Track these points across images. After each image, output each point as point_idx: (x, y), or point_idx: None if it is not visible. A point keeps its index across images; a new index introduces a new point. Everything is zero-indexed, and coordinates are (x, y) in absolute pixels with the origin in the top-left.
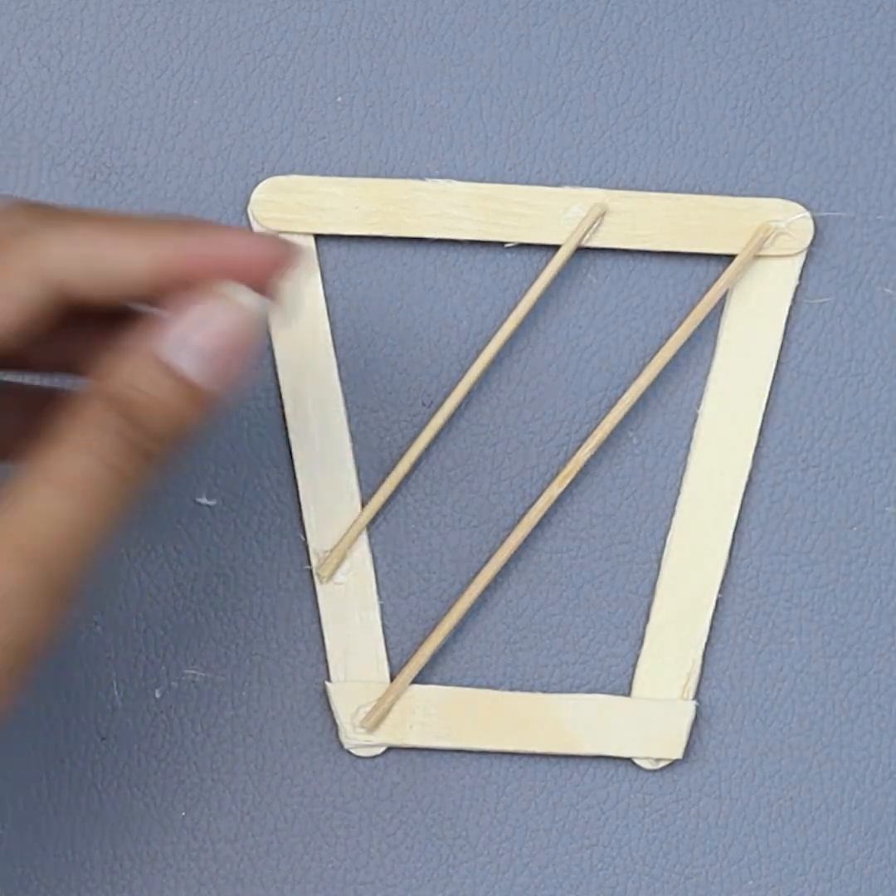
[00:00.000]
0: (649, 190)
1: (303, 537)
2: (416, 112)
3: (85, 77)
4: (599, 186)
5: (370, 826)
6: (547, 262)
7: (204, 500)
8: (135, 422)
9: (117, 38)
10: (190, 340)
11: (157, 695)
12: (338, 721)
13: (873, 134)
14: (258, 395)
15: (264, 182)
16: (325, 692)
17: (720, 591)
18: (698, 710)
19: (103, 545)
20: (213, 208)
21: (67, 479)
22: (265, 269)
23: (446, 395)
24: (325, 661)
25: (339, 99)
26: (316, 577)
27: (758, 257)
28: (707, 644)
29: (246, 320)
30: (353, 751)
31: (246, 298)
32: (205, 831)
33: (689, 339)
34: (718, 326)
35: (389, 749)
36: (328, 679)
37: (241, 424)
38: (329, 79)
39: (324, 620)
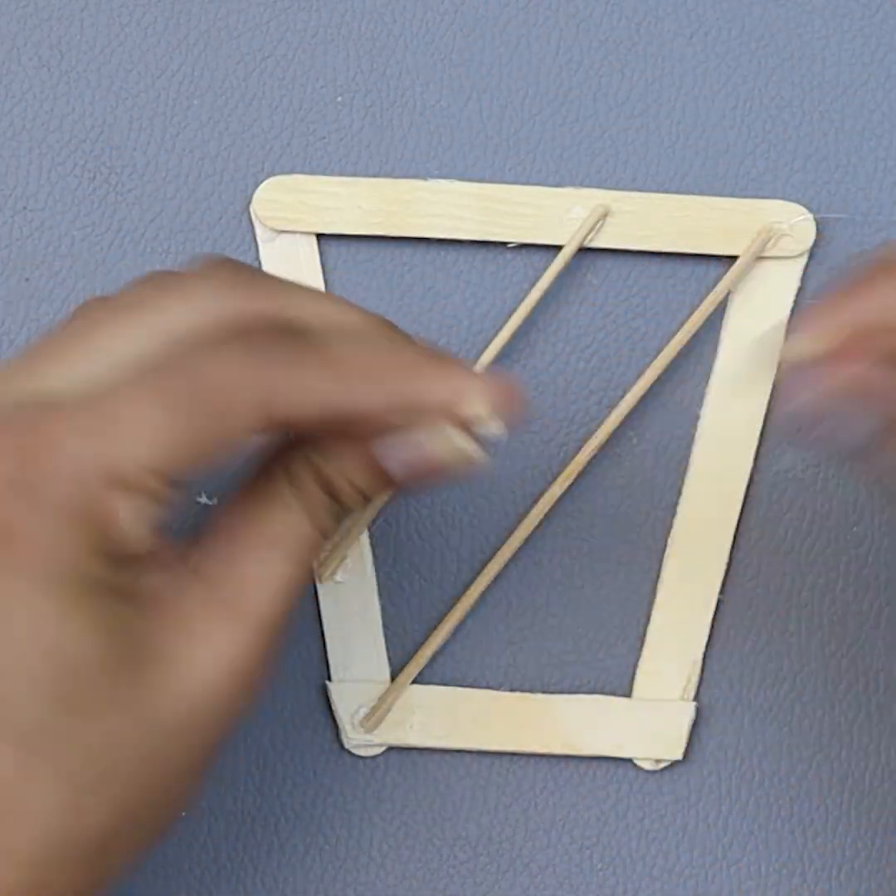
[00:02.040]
0: (651, 191)
1: None
2: (416, 112)
3: (85, 77)
4: (601, 187)
5: (370, 826)
6: (549, 263)
7: (204, 500)
8: (337, 500)
9: (117, 38)
10: (401, 454)
11: None
12: (338, 721)
13: (874, 134)
14: None
15: (266, 181)
16: (325, 692)
17: (721, 592)
18: (698, 711)
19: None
20: (214, 208)
21: (290, 544)
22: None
23: None
24: (326, 660)
25: (339, 99)
26: (316, 577)
27: (760, 259)
28: (707, 644)
29: (454, 459)
30: (353, 751)
31: (462, 442)
32: (205, 831)
33: (690, 341)
34: (720, 327)
35: (389, 749)
36: (328, 679)
37: None
38: (329, 79)
39: (324, 620)
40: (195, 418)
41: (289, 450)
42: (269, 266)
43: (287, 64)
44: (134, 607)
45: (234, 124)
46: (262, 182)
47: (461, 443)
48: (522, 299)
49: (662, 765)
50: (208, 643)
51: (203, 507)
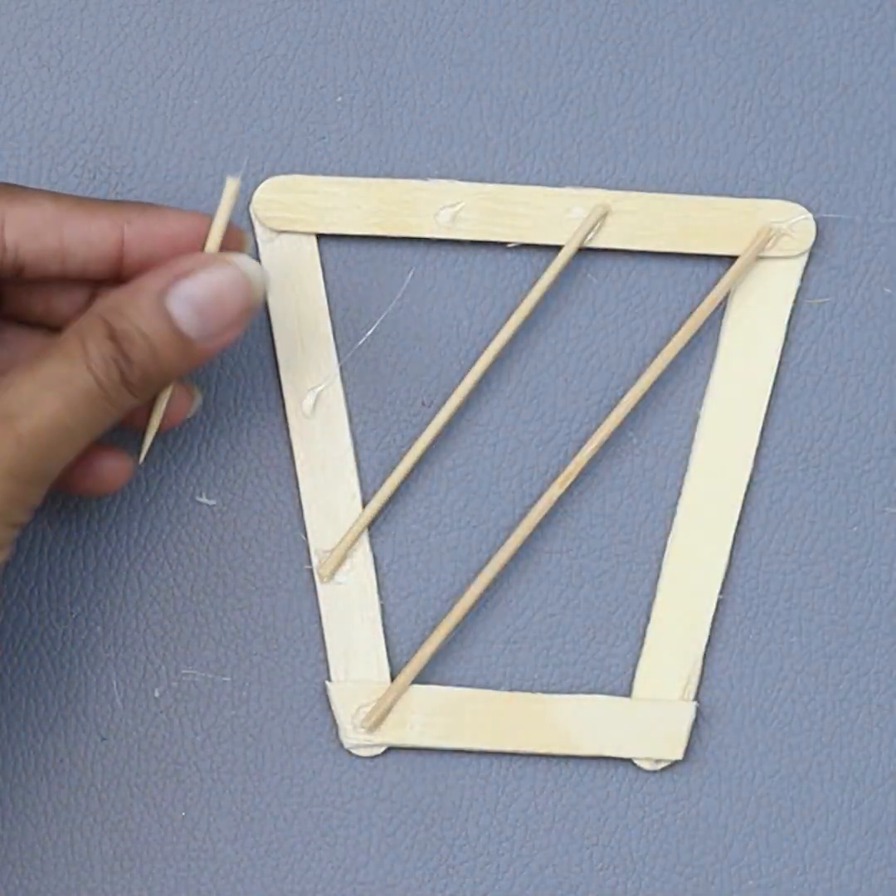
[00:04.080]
0: (651, 191)
1: (303, 537)
2: (416, 112)
3: (85, 77)
4: (601, 187)
5: (370, 826)
6: (549, 263)
7: (204, 500)
8: (125, 353)
9: (117, 38)
10: (189, 292)
11: (157, 695)
12: (338, 721)
13: (874, 134)
14: (259, 394)
15: (266, 181)
16: (325, 692)
17: (721, 592)
18: (699, 711)
19: (73, 450)
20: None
21: (55, 378)
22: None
23: (447, 395)
24: (326, 660)
25: (339, 99)
26: (317, 577)
27: (759, 258)
28: (707, 644)
29: (243, 282)
30: (353, 751)
31: (246, 264)
32: (205, 831)
33: (690, 340)
34: (720, 327)
35: (389, 749)
36: (328, 679)
37: (241, 424)
38: (329, 79)
39: (324, 620)
40: None
41: (85, 314)
42: (269, 266)
43: (287, 64)
44: None
45: (234, 124)
46: (261, 182)
47: (247, 265)
48: (522, 299)
49: (662, 765)
50: None
51: (203, 507)
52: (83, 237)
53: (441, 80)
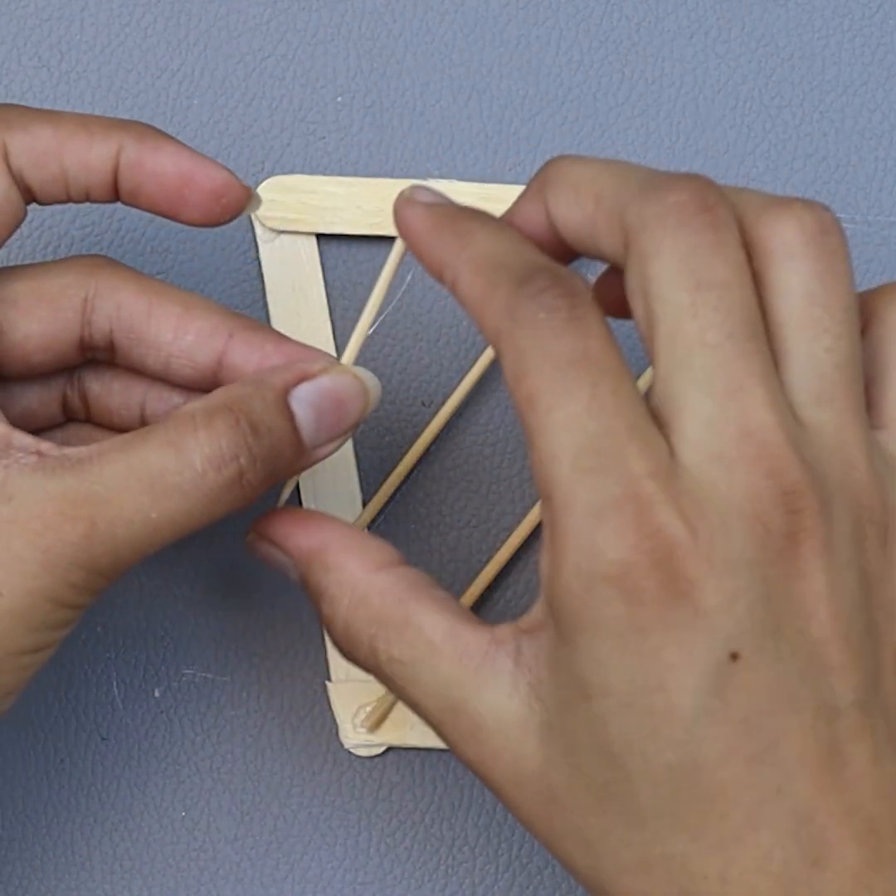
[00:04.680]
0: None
1: None
2: (416, 112)
3: (85, 77)
4: None
5: (370, 826)
6: None
7: None
8: (250, 447)
9: (117, 38)
10: (313, 395)
11: (157, 695)
12: (338, 721)
13: (873, 134)
14: None
15: (267, 181)
16: (325, 692)
17: None
18: None
19: (151, 548)
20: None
21: (151, 467)
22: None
23: (447, 396)
24: (326, 659)
25: (339, 99)
26: None
27: None
28: None
29: (363, 393)
30: (353, 751)
31: (366, 375)
32: (205, 831)
33: None
34: None
35: (389, 749)
36: (328, 679)
37: None
38: (329, 79)
39: None
40: None
41: (207, 399)
42: (269, 266)
43: (287, 64)
44: None
45: (234, 124)
46: (261, 182)
47: (368, 379)
48: None
49: None
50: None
51: None
52: (84, 162)
53: (441, 80)
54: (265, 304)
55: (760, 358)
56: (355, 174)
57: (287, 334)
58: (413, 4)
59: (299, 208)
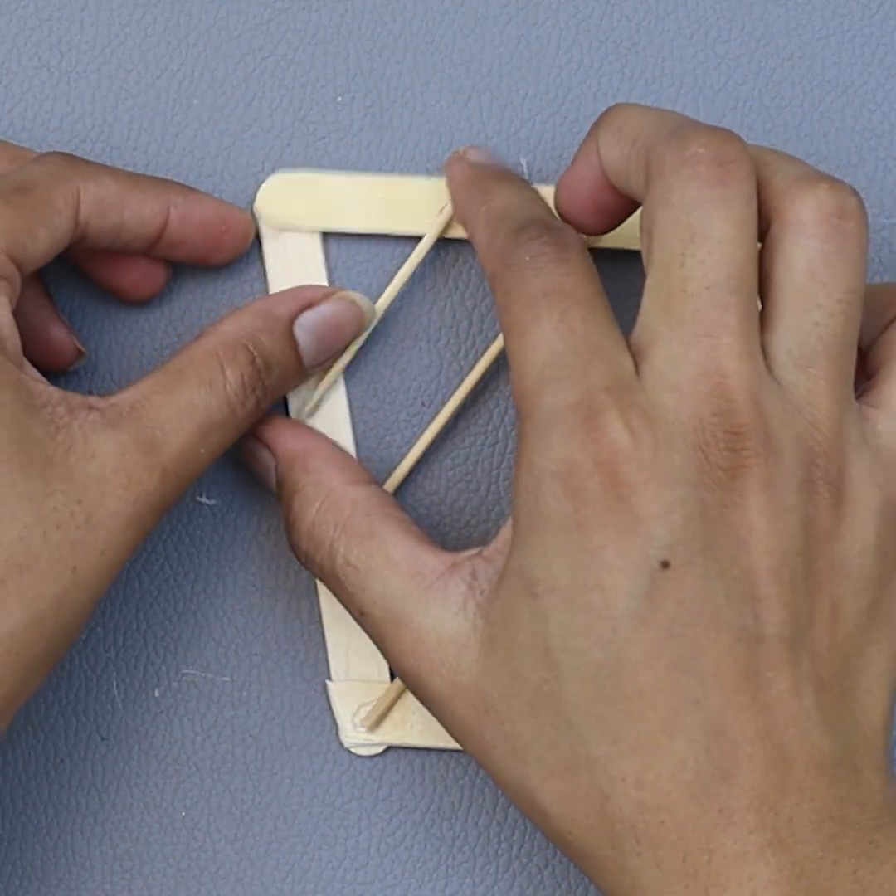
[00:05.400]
0: None
1: None
2: (416, 112)
3: (85, 77)
4: None
5: (370, 826)
6: None
7: (204, 500)
8: (263, 381)
9: (117, 38)
10: (314, 322)
11: (157, 695)
12: (338, 720)
13: (873, 134)
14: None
15: (271, 178)
16: (325, 691)
17: None
18: None
19: (195, 477)
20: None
21: (194, 406)
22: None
23: (447, 396)
24: (326, 659)
25: (339, 99)
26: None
27: None
28: None
29: (358, 315)
30: (352, 750)
31: (360, 299)
32: (205, 831)
33: None
34: None
35: (389, 749)
36: (329, 678)
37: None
38: (329, 79)
39: (325, 619)
40: (23, 208)
41: (221, 335)
42: (272, 264)
43: (286, 64)
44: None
45: (234, 125)
46: (262, 182)
47: (363, 301)
48: None
49: None
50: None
51: (203, 507)
52: (139, 216)
53: (441, 80)
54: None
55: (738, 311)
56: (356, 173)
57: None
58: (413, 4)
59: (303, 205)
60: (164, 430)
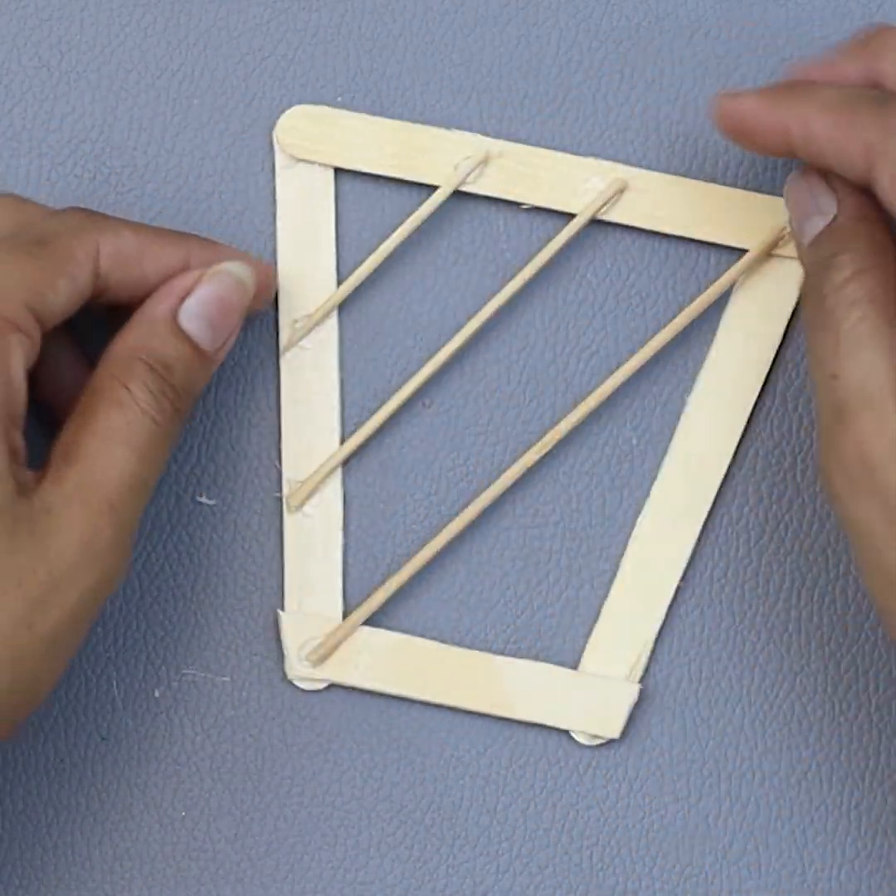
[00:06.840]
0: (672, 173)
1: (278, 465)
2: (416, 112)
3: (85, 77)
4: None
5: (370, 826)
6: (559, 229)
7: (204, 500)
8: (170, 383)
9: (117, 38)
10: (197, 308)
11: (157, 695)
12: (284, 651)
13: None
14: (259, 395)
15: (292, 109)
16: (276, 621)
17: (681, 579)
18: (643, 693)
19: (148, 496)
20: (214, 208)
21: (116, 431)
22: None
23: (440, 346)
24: (282, 591)
25: (339, 99)
26: (285, 507)
27: (770, 255)
28: (664, 631)
29: (240, 286)
30: (296, 683)
31: (237, 268)
32: (205, 831)
33: (690, 327)
34: (719, 319)
35: (332, 686)
36: (282, 608)
37: (241, 425)
38: (329, 78)
39: (287, 550)
40: (43, 261)
41: (113, 357)
42: (284, 193)
43: (287, 64)
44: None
45: (234, 124)
46: (262, 182)
47: (237, 270)
48: (528, 262)
49: (599, 741)
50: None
51: (203, 507)
52: (158, 268)
53: (441, 80)
54: (274, 232)
55: None
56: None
57: (292, 262)
58: (413, 4)
59: (321, 139)
60: (100, 467)
